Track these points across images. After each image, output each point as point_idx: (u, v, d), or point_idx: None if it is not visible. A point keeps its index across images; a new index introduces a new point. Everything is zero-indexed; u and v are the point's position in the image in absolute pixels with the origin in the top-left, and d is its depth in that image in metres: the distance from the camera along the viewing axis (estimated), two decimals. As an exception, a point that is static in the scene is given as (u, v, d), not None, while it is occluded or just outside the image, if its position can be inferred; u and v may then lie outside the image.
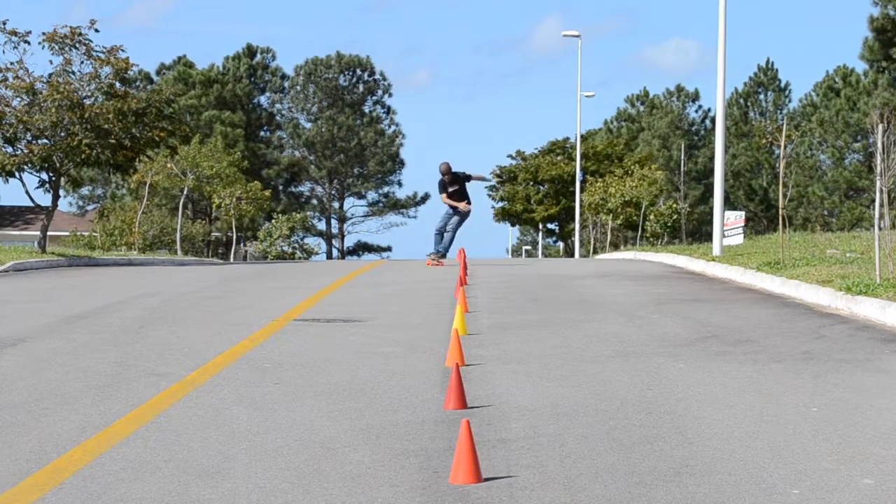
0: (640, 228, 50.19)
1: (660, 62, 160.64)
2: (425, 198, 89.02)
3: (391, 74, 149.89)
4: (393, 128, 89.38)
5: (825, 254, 21.40)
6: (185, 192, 57.57)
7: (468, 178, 25.03)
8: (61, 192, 34.42)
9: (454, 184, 24.81)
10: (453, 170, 24.98)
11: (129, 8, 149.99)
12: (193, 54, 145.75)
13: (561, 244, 78.61)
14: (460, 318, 12.33)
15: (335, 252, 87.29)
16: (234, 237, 61.88)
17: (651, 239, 50.13)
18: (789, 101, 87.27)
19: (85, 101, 31.88)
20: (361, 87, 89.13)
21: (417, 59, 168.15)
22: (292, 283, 20.12)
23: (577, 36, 59.97)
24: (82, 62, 32.48)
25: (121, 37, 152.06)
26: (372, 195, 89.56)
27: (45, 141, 31.96)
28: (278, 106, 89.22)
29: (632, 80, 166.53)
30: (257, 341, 11.95)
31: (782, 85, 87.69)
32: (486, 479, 6.49)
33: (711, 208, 51.25)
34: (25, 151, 31.77)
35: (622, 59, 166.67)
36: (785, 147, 22.62)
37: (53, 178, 32.90)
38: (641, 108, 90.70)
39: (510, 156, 76.04)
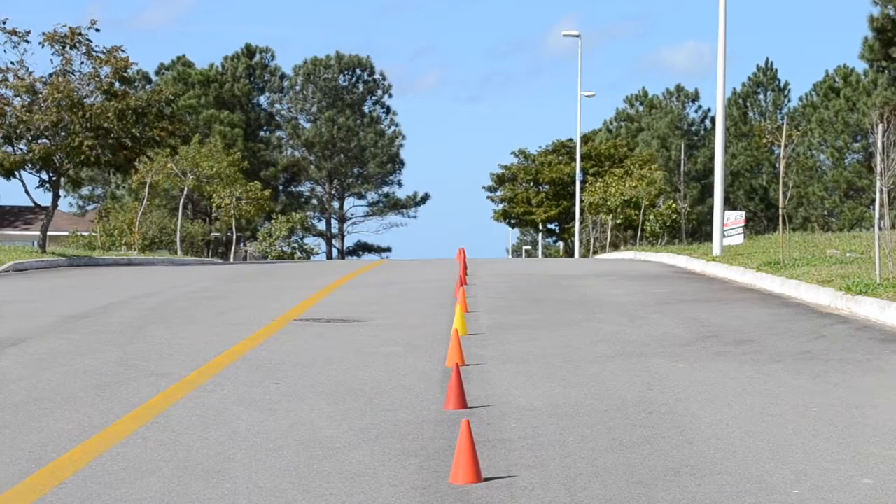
0: (639, 228, 50.19)
1: (662, 63, 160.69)
2: (425, 198, 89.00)
3: (403, 77, 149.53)
4: (393, 128, 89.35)
5: (825, 254, 21.40)
6: (185, 192, 57.57)
7: None
8: (61, 192, 34.45)
9: None
10: None
11: (143, 10, 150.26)
12: (194, 55, 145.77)
13: (561, 244, 78.60)
14: (460, 318, 12.33)
15: (335, 252, 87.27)
16: (234, 237, 61.87)
17: (651, 239, 50.11)
18: (789, 101, 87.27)
19: (85, 100, 31.89)
20: (361, 88, 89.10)
21: (430, 61, 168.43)
22: (292, 283, 20.12)
23: (577, 36, 59.98)
24: (82, 62, 32.52)
25: (130, 39, 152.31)
26: (372, 195, 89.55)
27: (45, 141, 31.99)
28: (278, 106, 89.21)
29: (638, 80, 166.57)
30: (257, 341, 11.95)
31: (781, 85, 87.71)
32: (486, 479, 6.49)
33: (711, 208, 51.24)
34: (25, 151, 31.80)
35: (628, 61, 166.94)
36: (785, 147, 22.61)
37: (53, 178, 32.91)
38: (640, 109, 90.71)
39: (513, 153, 76.09)
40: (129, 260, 33.49)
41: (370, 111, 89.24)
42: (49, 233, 34.37)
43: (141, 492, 6.39)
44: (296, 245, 67.85)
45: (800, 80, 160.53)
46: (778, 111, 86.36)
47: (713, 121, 73.99)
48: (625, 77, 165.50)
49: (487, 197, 76.23)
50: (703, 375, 9.78)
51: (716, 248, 26.03)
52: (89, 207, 79.66)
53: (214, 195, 58.15)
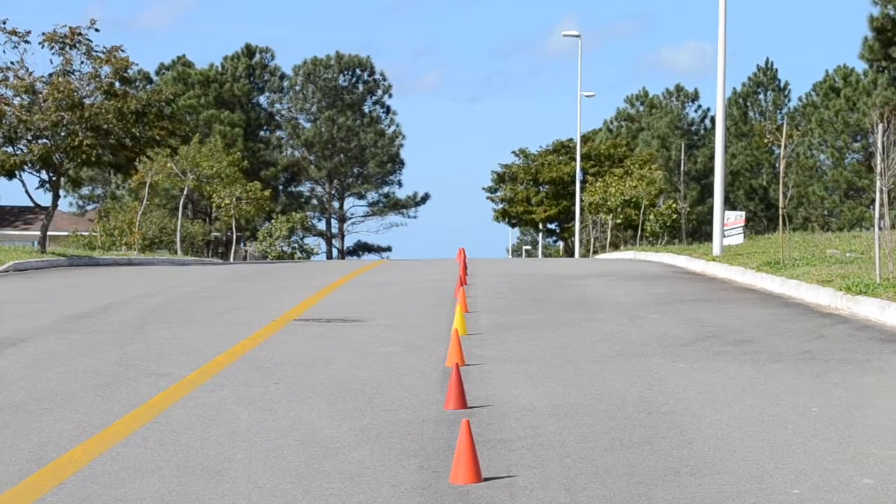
0: (639, 228, 50.20)
1: (662, 63, 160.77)
2: (425, 198, 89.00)
3: (404, 77, 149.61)
4: (393, 128, 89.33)
5: (825, 254, 21.39)
6: (185, 192, 57.58)
7: None
8: (61, 192, 34.46)
9: None
10: None
11: (143, 10, 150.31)
12: (194, 55, 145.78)
13: (561, 244, 78.62)
14: (460, 318, 12.33)
15: (335, 252, 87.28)
16: (234, 237, 61.88)
17: (651, 239, 50.11)
18: (789, 100, 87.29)
19: (85, 100, 31.90)
20: (361, 88, 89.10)
21: (431, 61, 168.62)
22: (292, 283, 20.12)
23: (577, 36, 60.01)
24: (82, 62, 32.52)
25: (130, 39, 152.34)
26: (372, 195, 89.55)
27: (45, 141, 32.00)
28: (278, 106, 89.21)
29: (638, 80, 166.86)
30: (257, 341, 11.95)
31: (781, 85, 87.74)
32: (486, 479, 6.49)
33: (711, 208, 51.22)
34: (25, 151, 31.81)
35: (628, 61, 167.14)
36: (785, 147, 22.61)
37: (53, 178, 32.91)
38: (641, 109, 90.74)
39: (514, 153, 76.11)
40: (129, 260, 33.49)
41: (370, 111, 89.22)
42: (49, 233, 34.38)
43: (141, 492, 6.40)
44: (296, 245, 67.86)
45: (800, 80, 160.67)
46: (778, 111, 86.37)
47: (713, 121, 73.98)
48: (625, 77, 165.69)
49: (487, 197, 76.26)
50: (703, 375, 9.78)
51: (716, 248, 26.03)
52: (89, 207, 79.66)
53: (214, 195, 58.15)
